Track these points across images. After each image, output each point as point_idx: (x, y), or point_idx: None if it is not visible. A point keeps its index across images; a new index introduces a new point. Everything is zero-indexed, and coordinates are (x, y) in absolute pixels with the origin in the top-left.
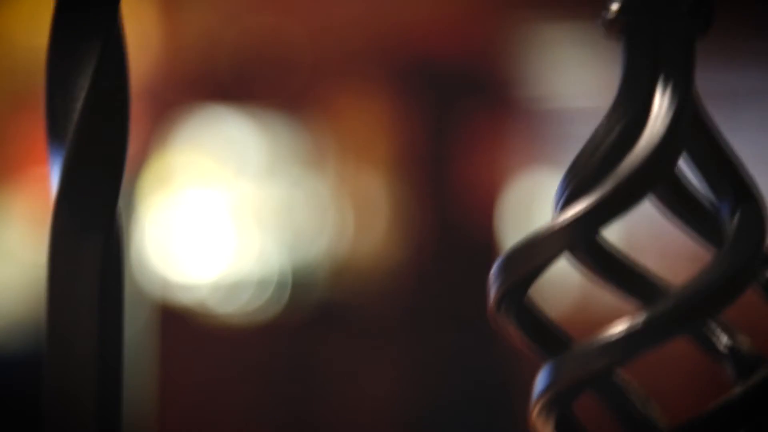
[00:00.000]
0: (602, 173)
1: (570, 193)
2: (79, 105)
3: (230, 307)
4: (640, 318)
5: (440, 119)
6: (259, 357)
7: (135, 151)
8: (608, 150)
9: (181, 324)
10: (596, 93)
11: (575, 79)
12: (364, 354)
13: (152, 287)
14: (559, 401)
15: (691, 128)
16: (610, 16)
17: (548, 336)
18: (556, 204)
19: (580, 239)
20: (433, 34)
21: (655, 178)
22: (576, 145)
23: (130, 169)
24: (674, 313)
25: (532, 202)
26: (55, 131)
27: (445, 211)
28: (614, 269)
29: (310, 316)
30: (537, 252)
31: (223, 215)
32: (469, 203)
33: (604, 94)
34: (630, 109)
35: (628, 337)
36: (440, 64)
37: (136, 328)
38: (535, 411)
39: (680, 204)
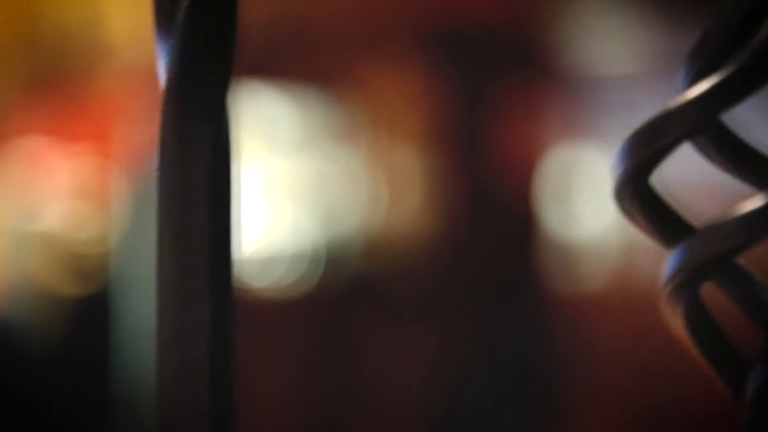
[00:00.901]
0: (730, 50)
1: (696, 71)
2: None
3: (265, 282)
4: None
5: (475, 90)
6: (292, 331)
7: None
8: (737, 25)
9: None
10: (633, 59)
11: (612, 46)
12: (398, 327)
13: None
14: (688, 285)
15: None
16: None
17: (671, 221)
18: (682, 84)
19: (708, 117)
20: (466, 3)
21: None
22: (614, 113)
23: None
24: None
25: (571, 173)
26: (162, 20)
27: (480, 184)
28: (739, 155)
29: (344, 290)
30: (662, 132)
31: (257, 190)
32: (505, 175)
33: (641, 60)
34: None
35: (762, 212)
36: (474, 34)
37: None
38: (664, 296)
39: None
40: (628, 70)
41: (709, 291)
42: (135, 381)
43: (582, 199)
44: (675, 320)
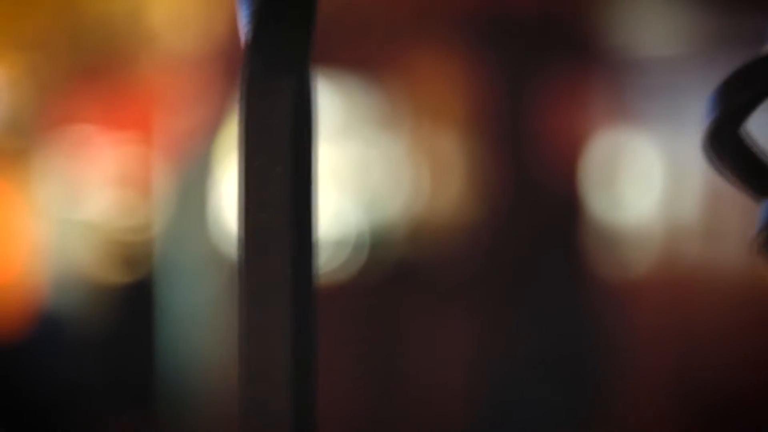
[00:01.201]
0: None
1: None
2: None
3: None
4: None
5: (518, 74)
6: (336, 316)
7: (212, 114)
8: None
9: None
10: (677, 41)
11: (656, 28)
12: (441, 311)
13: (229, 248)
14: None
15: None
16: None
17: (763, 172)
18: None
19: None
20: None
21: None
22: (659, 96)
23: (208, 133)
24: None
25: (615, 157)
26: None
27: (524, 168)
28: None
29: (388, 276)
30: (756, 78)
31: None
32: (549, 159)
33: (685, 41)
34: None
35: None
36: (517, 18)
37: (213, 288)
38: (756, 245)
39: None
40: (672, 52)
41: None
42: (178, 366)
43: (627, 183)
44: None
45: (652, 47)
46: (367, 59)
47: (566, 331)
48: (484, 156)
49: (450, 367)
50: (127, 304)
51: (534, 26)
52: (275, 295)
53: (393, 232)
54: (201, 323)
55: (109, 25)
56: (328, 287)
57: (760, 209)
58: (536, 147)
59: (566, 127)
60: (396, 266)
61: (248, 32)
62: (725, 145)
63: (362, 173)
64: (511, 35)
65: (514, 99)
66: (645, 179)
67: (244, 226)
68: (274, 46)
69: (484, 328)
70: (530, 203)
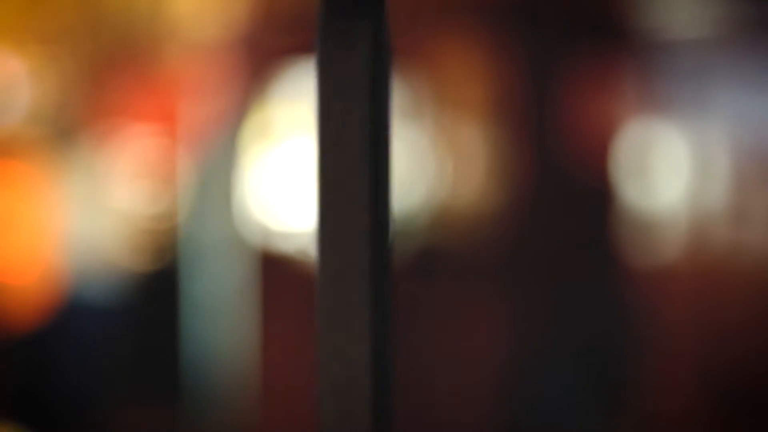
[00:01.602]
0: None
1: None
2: None
3: None
4: None
5: (543, 61)
6: None
7: (236, 102)
8: None
9: (281, 271)
10: (707, 24)
11: (685, 11)
12: (466, 299)
13: (254, 236)
14: None
15: None
16: None
17: None
18: None
19: None
20: None
21: None
22: (688, 80)
23: (232, 121)
24: None
25: (644, 143)
26: None
27: (549, 156)
28: None
29: (411, 263)
30: None
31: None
32: (575, 146)
33: (714, 25)
34: None
35: None
36: (542, 4)
37: (238, 275)
38: None
39: None
40: (700, 35)
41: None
42: (203, 353)
43: (655, 170)
44: None
45: (680, 31)
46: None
47: (594, 319)
48: (509, 144)
49: (475, 355)
50: (153, 291)
51: (560, 12)
52: (353, 237)
53: (416, 220)
54: (225, 309)
55: (131, 15)
56: None
57: None
58: (563, 134)
59: (593, 113)
60: (419, 253)
61: None
62: None
63: None
64: (537, 22)
65: (540, 86)
66: (673, 166)
67: (321, 169)
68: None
69: (510, 316)
70: (556, 191)
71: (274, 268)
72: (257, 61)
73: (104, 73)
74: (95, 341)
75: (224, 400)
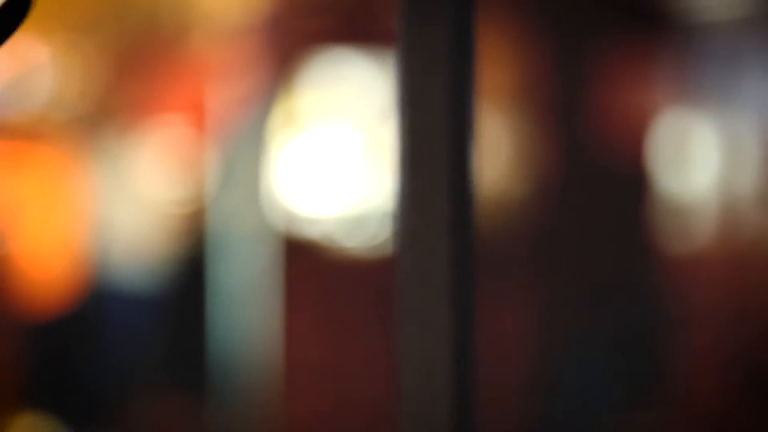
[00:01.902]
0: None
1: None
2: None
3: (355, 241)
4: None
5: (573, 45)
6: (382, 289)
7: (264, 88)
8: None
9: (308, 257)
10: (741, 5)
11: None
12: (491, 286)
13: (280, 221)
14: None
15: None
16: None
17: None
18: None
19: None
20: None
21: None
22: (722, 64)
23: (260, 106)
24: None
25: (677, 130)
26: None
27: (579, 142)
28: None
29: None
30: None
31: (348, 151)
32: (605, 132)
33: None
34: None
35: None
36: None
37: (264, 261)
38: None
39: None
40: (736, 16)
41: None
42: (229, 339)
43: (689, 156)
44: None
45: (715, 12)
46: None
47: (626, 306)
48: (539, 131)
49: (504, 345)
50: (180, 276)
51: None
52: (434, 226)
53: None
54: (252, 295)
55: (157, 1)
56: (373, 260)
57: None
58: (594, 119)
59: (625, 98)
60: None
61: None
62: None
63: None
64: (568, 5)
65: (571, 71)
66: (706, 152)
67: (403, 148)
68: None
69: (539, 305)
70: (587, 177)
71: (300, 254)
72: (285, 46)
73: (130, 59)
74: (123, 327)
75: (250, 386)
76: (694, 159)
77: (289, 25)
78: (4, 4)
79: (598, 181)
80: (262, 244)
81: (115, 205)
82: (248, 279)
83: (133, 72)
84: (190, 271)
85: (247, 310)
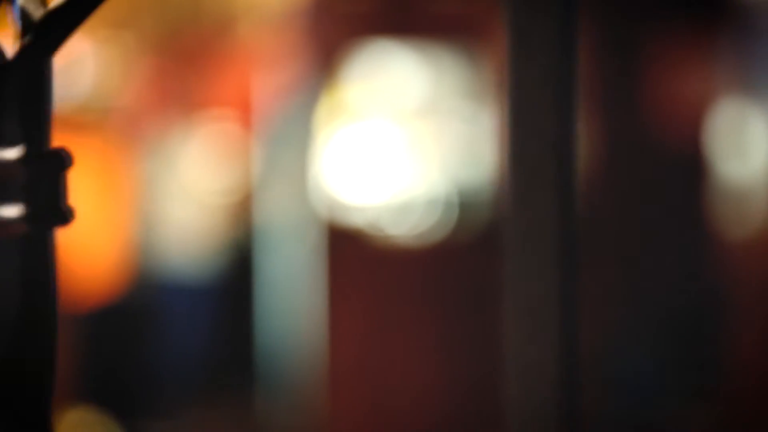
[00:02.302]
0: None
1: None
2: None
3: (400, 229)
4: None
5: (621, 35)
6: (427, 277)
7: (310, 79)
8: None
9: (355, 245)
10: None
11: None
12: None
13: (325, 210)
14: None
15: None
16: None
17: None
18: None
19: None
20: None
21: None
22: None
23: (307, 96)
24: None
25: (734, 116)
26: None
27: (635, 130)
28: None
29: (479, 237)
30: None
31: (393, 140)
32: (662, 120)
33: None
34: None
35: None
36: None
37: (309, 249)
38: None
39: None
40: None
41: None
42: (277, 334)
43: (746, 141)
44: None
45: None
46: (454, 29)
47: (682, 294)
48: (593, 119)
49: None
50: (227, 267)
51: None
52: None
53: (484, 193)
54: (300, 285)
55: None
56: (418, 249)
57: None
58: (653, 106)
59: (683, 83)
60: (487, 227)
61: None
62: None
63: (453, 133)
64: None
65: (628, 57)
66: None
67: (512, 133)
68: None
69: (582, 288)
70: (645, 164)
71: (347, 243)
72: (331, 35)
73: (175, 50)
74: (171, 318)
75: (297, 375)
76: (754, 145)
77: (334, 13)
78: None
79: (656, 168)
80: (308, 234)
81: (163, 195)
82: (296, 268)
83: (178, 63)
84: (237, 262)
85: (295, 298)
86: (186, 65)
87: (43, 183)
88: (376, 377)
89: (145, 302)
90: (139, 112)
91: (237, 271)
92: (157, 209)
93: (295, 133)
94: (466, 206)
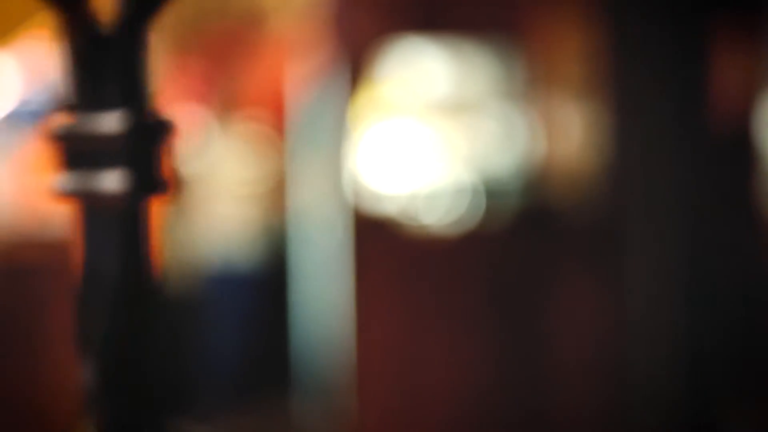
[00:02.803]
0: None
1: None
2: None
3: (431, 218)
4: None
5: (678, 16)
6: (458, 265)
7: (343, 74)
8: None
9: (385, 234)
10: None
11: None
12: (565, 260)
13: (358, 199)
14: None
15: None
16: None
17: None
18: None
19: None
20: None
21: None
22: None
23: (340, 89)
24: None
25: None
26: None
27: (687, 117)
28: None
29: (509, 225)
30: None
31: (424, 130)
32: (713, 105)
33: None
34: None
35: None
36: None
37: (339, 237)
38: None
39: None
40: None
41: None
42: (311, 317)
43: None
44: None
45: None
46: (485, 26)
47: (733, 273)
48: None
49: (575, 315)
50: (263, 256)
51: None
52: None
53: (514, 181)
54: (333, 276)
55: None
56: (449, 237)
57: None
58: (705, 92)
59: (733, 70)
60: (517, 215)
61: None
62: None
63: (483, 123)
64: None
65: (681, 42)
66: None
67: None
68: None
69: (610, 275)
70: (694, 150)
71: (379, 231)
72: (364, 30)
73: (208, 44)
74: (213, 310)
75: (332, 367)
76: None
77: (367, 7)
78: None
79: (706, 153)
80: (340, 223)
81: (199, 188)
82: (329, 257)
83: (211, 55)
84: (272, 253)
85: (328, 287)
86: (219, 59)
87: (144, 151)
88: (406, 368)
89: (187, 295)
90: (172, 106)
91: (272, 262)
92: (193, 202)
93: (326, 126)
94: (495, 196)
